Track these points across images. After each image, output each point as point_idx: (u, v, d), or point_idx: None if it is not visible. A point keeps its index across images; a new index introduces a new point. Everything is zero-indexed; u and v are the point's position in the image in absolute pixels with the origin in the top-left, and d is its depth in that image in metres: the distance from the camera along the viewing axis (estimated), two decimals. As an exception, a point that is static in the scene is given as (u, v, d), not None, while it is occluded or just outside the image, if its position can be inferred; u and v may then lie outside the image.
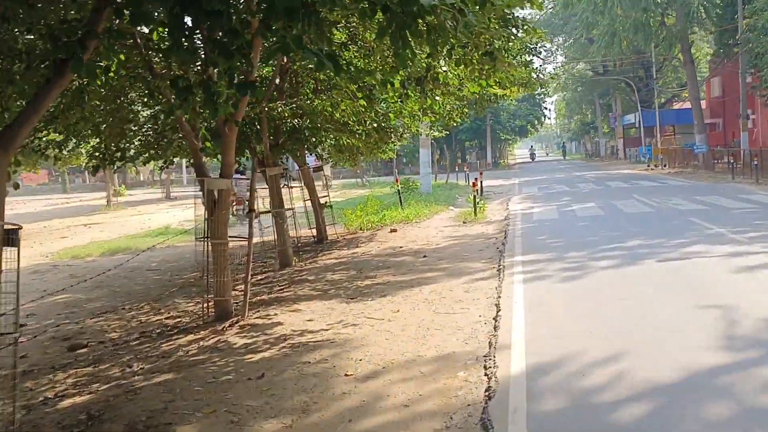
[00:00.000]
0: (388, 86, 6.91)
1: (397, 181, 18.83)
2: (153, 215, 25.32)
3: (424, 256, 11.17)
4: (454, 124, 13.55)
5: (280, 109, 10.35)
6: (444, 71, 7.98)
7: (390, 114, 9.25)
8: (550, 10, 46.51)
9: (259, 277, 10.51)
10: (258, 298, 8.56)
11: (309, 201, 13.94)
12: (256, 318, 7.41)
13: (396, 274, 9.60)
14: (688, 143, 44.12)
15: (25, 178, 41.07)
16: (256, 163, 11.06)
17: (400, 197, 18.29)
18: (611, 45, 28.99)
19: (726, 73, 36.56)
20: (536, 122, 58.63)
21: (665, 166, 34.75)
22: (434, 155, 44.51)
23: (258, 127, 10.60)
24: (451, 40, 4.60)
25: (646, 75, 47.16)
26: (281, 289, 9.09)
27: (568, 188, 24.25)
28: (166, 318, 7.90)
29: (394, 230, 15.13)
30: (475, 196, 16.61)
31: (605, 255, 9.67)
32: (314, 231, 14.16)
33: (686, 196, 17.81)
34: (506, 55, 7.90)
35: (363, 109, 9.87)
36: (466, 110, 12.48)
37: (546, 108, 61.30)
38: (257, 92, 5.11)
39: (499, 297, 7.52)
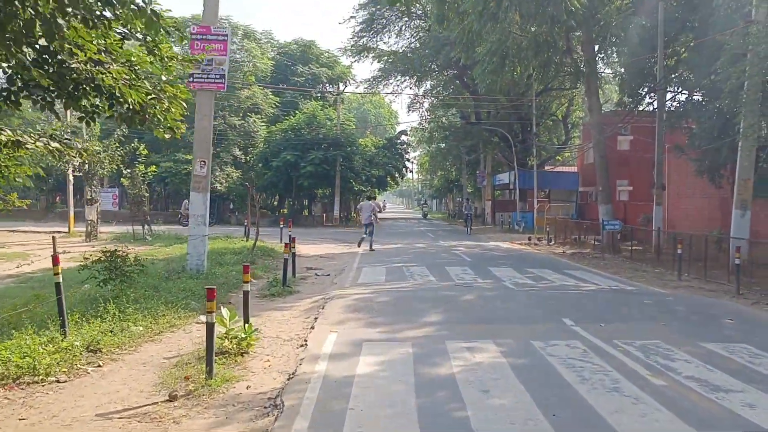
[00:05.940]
0: None
1: (56, 262, 7.92)
2: None
3: None
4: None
5: None
6: None
7: None
8: (421, 39, 38.70)
9: None
10: None
11: None
12: None
13: None
14: (574, 213, 37.92)
15: None
16: None
17: (59, 301, 7.63)
18: (500, 70, 20.58)
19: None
20: (397, 174, 50.41)
21: (551, 241, 26.90)
22: (258, 202, 33.76)
23: None
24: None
25: (523, 130, 40.66)
26: None
27: (433, 277, 14.71)
28: None
29: None
30: (207, 329, 6.38)
31: None
32: None
33: (668, 327, 8.80)
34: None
35: None
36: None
37: (408, 160, 53.54)
38: None
39: None
